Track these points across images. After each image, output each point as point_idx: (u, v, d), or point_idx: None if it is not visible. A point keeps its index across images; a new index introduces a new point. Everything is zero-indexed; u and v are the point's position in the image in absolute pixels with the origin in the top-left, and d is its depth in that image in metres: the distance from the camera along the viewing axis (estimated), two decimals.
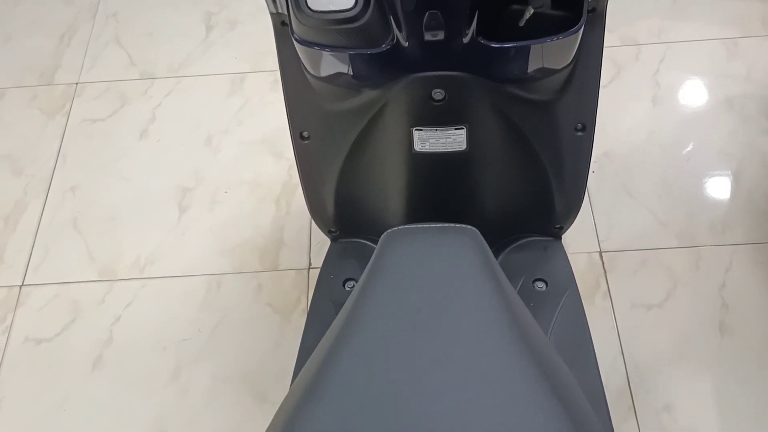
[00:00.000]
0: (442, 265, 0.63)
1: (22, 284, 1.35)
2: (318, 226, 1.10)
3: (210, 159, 1.50)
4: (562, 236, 1.13)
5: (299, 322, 1.27)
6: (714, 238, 1.32)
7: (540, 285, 1.04)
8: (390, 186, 0.99)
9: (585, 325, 1.00)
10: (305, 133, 0.96)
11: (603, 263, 1.31)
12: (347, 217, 1.06)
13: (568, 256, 1.13)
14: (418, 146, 0.91)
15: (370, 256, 0.68)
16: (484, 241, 0.65)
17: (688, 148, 1.44)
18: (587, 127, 0.94)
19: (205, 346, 1.27)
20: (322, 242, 1.35)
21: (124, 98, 1.60)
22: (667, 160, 1.43)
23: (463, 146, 0.90)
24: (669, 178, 1.40)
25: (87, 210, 1.44)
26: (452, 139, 0.90)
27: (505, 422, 0.57)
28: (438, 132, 0.89)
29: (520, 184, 1.00)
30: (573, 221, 1.07)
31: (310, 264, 1.34)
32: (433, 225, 0.67)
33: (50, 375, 1.25)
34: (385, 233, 0.67)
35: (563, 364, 0.65)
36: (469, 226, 0.66)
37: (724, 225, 1.33)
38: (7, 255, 1.39)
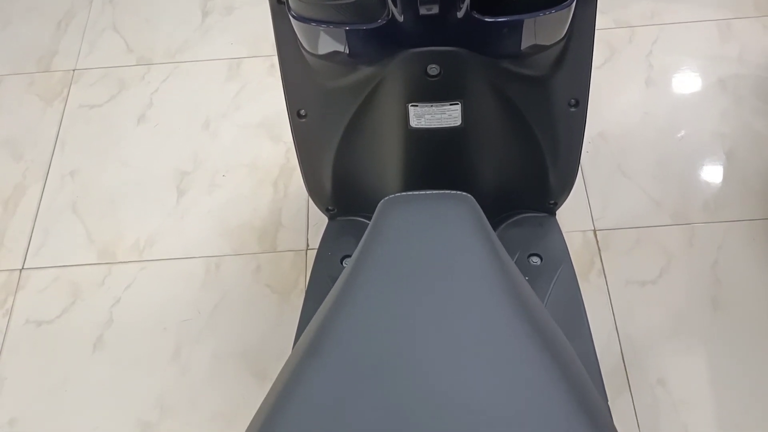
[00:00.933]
0: (439, 229, 0.64)
1: (22, 267, 1.36)
2: (316, 204, 1.12)
3: (208, 143, 1.51)
4: (557, 214, 1.15)
5: (298, 302, 1.28)
6: (707, 216, 1.33)
7: (535, 260, 1.06)
8: (386, 163, 1.00)
9: (579, 297, 1.02)
10: (302, 112, 0.98)
11: (597, 241, 1.32)
12: (344, 194, 1.07)
13: (564, 234, 1.15)
14: (414, 122, 0.92)
15: None
16: (479, 208, 0.67)
17: (682, 129, 1.45)
18: (580, 102, 0.96)
19: (205, 326, 1.28)
20: (319, 224, 1.36)
21: (122, 84, 1.61)
22: (660, 141, 1.44)
23: (458, 122, 0.92)
24: (663, 158, 1.42)
25: (86, 194, 1.45)
26: (447, 115, 0.91)
27: (504, 380, 0.58)
28: (433, 108, 0.90)
29: (515, 160, 1.01)
30: (567, 197, 1.08)
31: (307, 245, 1.36)
32: (429, 192, 0.68)
33: (51, 356, 1.27)
34: (382, 201, 0.68)
35: (556, 326, 0.67)
36: (464, 193, 0.68)
37: (716, 203, 1.35)
38: (6, 239, 1.40)
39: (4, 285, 1.34)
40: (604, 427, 0.62)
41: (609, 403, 1.13)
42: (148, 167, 1.48)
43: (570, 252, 1.13)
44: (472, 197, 0.68)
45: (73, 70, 1.64)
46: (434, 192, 0.68)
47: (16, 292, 1.33)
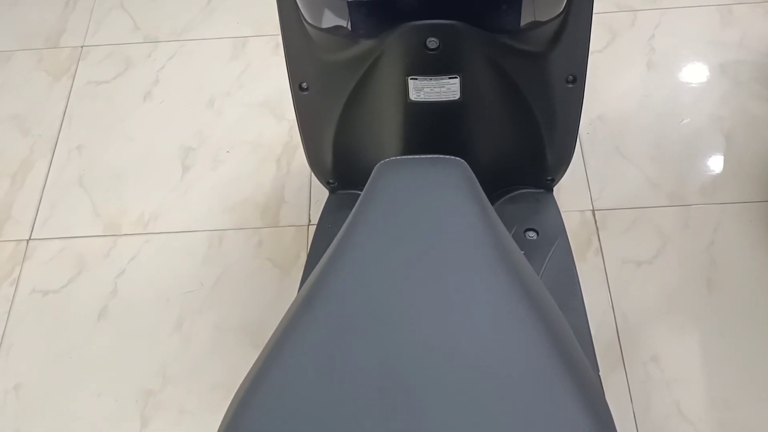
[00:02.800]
0: (432, 191, 0.67)
1: (29, 238, 1.39)
2: (317, 177, 1.14)
3: (212, 120, 1.53)
4: (556, 192, 1.16)
5: (298, 276, 1.30)
6: (704, 198, 1.35)
7: (531, 234, 1.08)
8: (386, 136, 1.02)
9: (574, 272, 1.04)
10: (304, 84, 1.00)
11: (595, 221, 1.34)
12: (345, 167, 1.09)
13: (562, 214, 1.16)
14: (413, 95, 0.94)
15: None
16: (472, 172, 0.69)
17: (681, 112, 1.47)
18: (578, 79, 0.97)
19: (208, 298, 1.30)
20: (321, 200, 1.37)
21: (128, 61, 1.63)
22: (660, 124, 1.45)
23: (457, 95, 0.93)
24: (662, 141, 1.43)
25: (92, 168, 1.48)
26: (446, 89, 0.93)
27: (493, 338, 0.60)
28: (432, 81, 0.92)
29: (513, 135, 1.03)
30: (564, 173, 1.10)
31: (309, 221, 1.38)
32: (423, 156, 0.70)
33: (57, 325, 1.29)
34: (377, 164, 0.70)
35: (546, 291, 0.69)
36: (457, 158, 0.70)
37: (714, 185, 1.36)
38: (14, 210, 1.43)
39: (12, 255, 1.37)
40: (592, 391, 0.63)
41: (602, 379, 1.16)
42: (153, 143, 1.50)
43: (568, 231, 1.14)
44: (465, 162, 0.70)
45: (81, 47, 1.66)
46: (428, 156, 0.70)
47: (23, 262, 1.36)
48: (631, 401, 1.17)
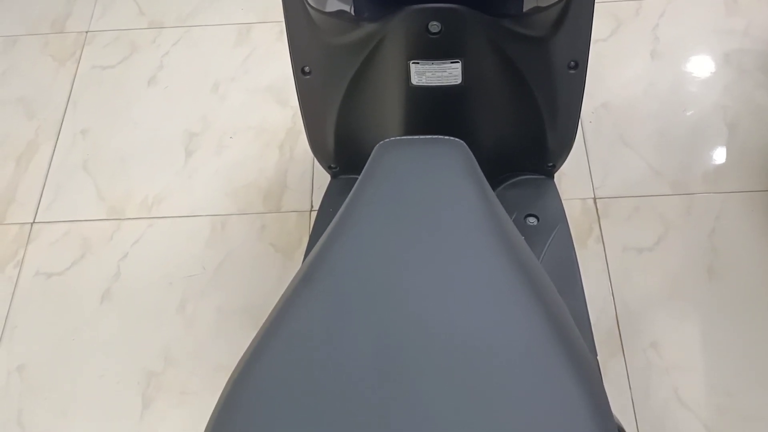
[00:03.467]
0: (431, 171, 0.67)
1: (34, 221, 1.40)
2: (318, 162, 1.14)
3: (216, 105, 1.53)
4: (557, 181, 1.16)
5: (300, 260, 1.31)
6: (706, 187, 1.35)
7: (531, 220, 1.08)
8: (387, 120, 1.02)
9: (574, 257, 1.04)
10: (307, 68, 1.00)
11: (597, 209, 1.34)
12: (347, 152, 1.10)
13: (563, 202, 1.17)
14: (415, 80, 0.94)
15: None
16: (471, 153, 0.69)
17: (685, 101, 1.46)
18: (580, 65, 0.97)
19: (210, 282, 1.31)
20: (323, 186, 1.37)
21: (133, 46, 1.64)
22: (663, 112, 1.45)
23: (459, 80, 0.94)
24: (665, 129, 1.43)
25: (97, 152, 1.49)
26: (448, 73, 0.93)
27: (491, 317, 0.60)
28: (434, 65, 0.92)
29: (514, 121, 1.03)
30: (565, 160, 1.10)
31: (312, 206, 1.38)
32: (423, 137, 0.71)
33: (60, 307, 1.30)
34: (377, 145, 0.71)
35: (545, 273, 0.69)
36: (456, 139, 0.70)
37: (716, 174, 1.36)
38: (19, 194, 1.44)
39: (16, 237, 1.38)
40: (590, 375, 0.64)
41: (602, 365, 1.16)
42: (157, 128, 1.51)
43: (569, 219, 1.14)
44: (464, 143, 0.70)
45: (86, 32, 1.67)
46: (427, 137, 0.71)
47: (27, 244, 1.37)
48: (630, 388, 1.17)
